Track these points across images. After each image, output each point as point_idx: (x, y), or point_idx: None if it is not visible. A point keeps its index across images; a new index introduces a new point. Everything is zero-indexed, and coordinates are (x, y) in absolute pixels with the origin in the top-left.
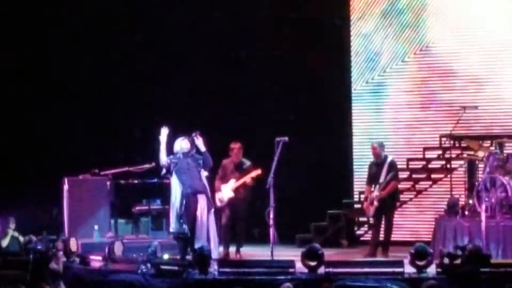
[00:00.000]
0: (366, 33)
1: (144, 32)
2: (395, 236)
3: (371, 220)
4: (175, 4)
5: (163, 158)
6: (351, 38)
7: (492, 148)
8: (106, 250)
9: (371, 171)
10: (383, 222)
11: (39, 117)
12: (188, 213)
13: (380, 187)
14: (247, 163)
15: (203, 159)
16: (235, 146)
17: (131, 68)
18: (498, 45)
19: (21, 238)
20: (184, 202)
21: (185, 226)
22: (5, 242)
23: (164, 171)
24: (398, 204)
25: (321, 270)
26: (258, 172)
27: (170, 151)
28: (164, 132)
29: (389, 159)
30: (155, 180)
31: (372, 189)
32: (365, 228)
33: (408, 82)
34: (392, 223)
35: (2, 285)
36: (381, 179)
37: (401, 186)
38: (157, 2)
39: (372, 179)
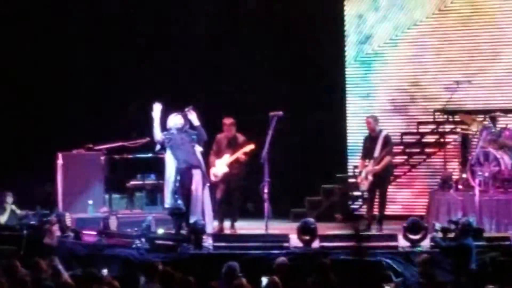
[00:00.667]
0: (360, 9)
1: (137, 10)
2: (389, 210)
3: (365, 194)
4: None
5: (158, 134)
6: (345, 13)
7: (486, 122)
8: (101, 224)
9: (365, 145)
10: (377, 196)
11: (34, 93)
12: (183, 188)
13: (375, 162)
14: (241, 138)
15: (197, 133)
16: (227, 121)
17: (125, 45)
18: (488, 22)
19: (19, 212)
20: (178, 177)
21: (180, 202)
22: (3, 218)
23: (158, 147)
24: (392, 178)
25: (316, 244)
26: (251, 146)
27: (164, 127)
28: (156, 108)
29: (384, 133)
30: (150, 155)
31: (366, 163)
32: (360, 202)
33: (402, 57)
34: (386, 197)
35: None
36: (376, 154)
37: (395, 160)
38: None
39: (367, 153)
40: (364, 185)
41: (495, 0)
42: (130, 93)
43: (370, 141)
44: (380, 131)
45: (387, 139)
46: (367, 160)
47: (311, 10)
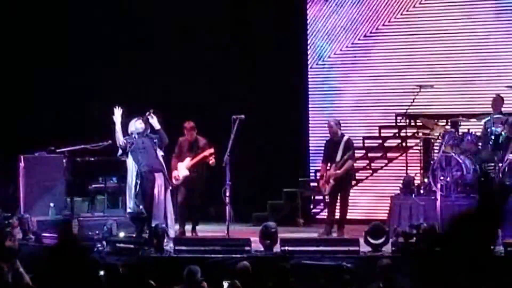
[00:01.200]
0: (322, 13)
1: (99, 13)
2: (351, 214)
3: (327, 198)
4: None
5: (120, 138)
6: (308, 17)
7: (448, 127)
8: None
9: (327, 149)
10: (338, 200)
11: None
12: (145, 192)
13: (337, 166)
14: (202, 141)
15: (158, 137)
16: (188, 125)
17: (87, 47)
18: (451, 27)
19: None
20: (139, 181)
21: (141, 207)
22: None
23: (120, 151)
24: (353, 182)
25: (277, 248)
26: (211, 150)
27: (125, 132)
28: (117, 112)
29: (345, 137)
30: (111, 157)
31: (328, 167)
32: (321, 206)
33: (364, 61)
34: (347, 201)
35: None
36: (338, 158)
37: (357, 164)
38: None
39: (328, 157)
40: (326, 189)
41: (458, 6)
42: (92, 95)
43: (332, 145)
44: (342, 135)
45: (349, 143)
46: (328, 164)
47: (273, 12)
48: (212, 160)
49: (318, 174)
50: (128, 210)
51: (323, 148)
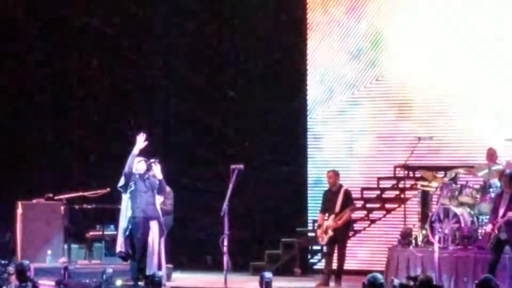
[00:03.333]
0: (322, 63)
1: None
2: (349, 265)
3: (325, 249)
4: None
5: (132, 165)
6: (308, 68)
7: (446, 179)
8: (61, 275)
9: (325, 199)
10: (336, 251)
11: None
12: (137, 238)
13: (336, 217)
14: None
15: (160, 185)
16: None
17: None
18: (450, 80)
19: None
20: (131, 226)
21: (130, 251)
22: None
23: (122, 181)
24: (351, 233)
25: None
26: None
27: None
28: (140, 138)
29: (344, 188)
30: (109, 205)
31: (326, 217)
32: (319, 256)
33: (363, 112)
34: (345, 252)
35: None
36: (337, 209)
37: (355, 215)
38: None
39: (327, 207)
40: (324, 240)
41: (460, 60)
42: (91, 144)
43: (331, 195)
44: (341, 185)
45: (348, 194)
46: (326, 214)
47: (275, 65)
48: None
49: (316, 224)
50: (118, 249)
51: (321, 198)
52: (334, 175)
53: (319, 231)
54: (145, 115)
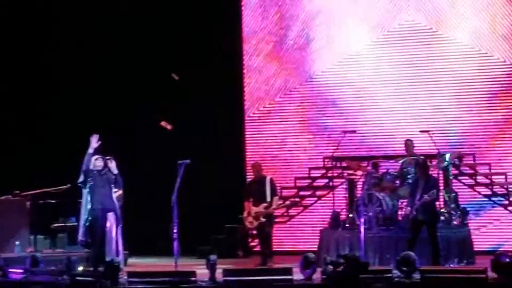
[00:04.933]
0: (258, 65)
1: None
2: (285, 246)
3: (257, 233)
4: None
5: (89, 163)
6: (244, 67)
7: (369, 168)
8: (27, 263)
9: (251, 189)
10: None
11: None
12: (95, 228)
13: (267, 204)
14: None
15: (115, 179)
16: None
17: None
18: (370, 79)
19: None
20: (90, 218)
21: (89, 240)
22: None
23: (81, 178)
24: (286, 218)
25: (220, 278)
26: (120, 192)
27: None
28: (94, 139)
29: (268, 177)
30: (71, 200)
31: (254, 205)
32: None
33: (296, 110)
34: (272, 235)
35: None
36: (268, 197)
37: (289, 201)
38: None
39: (253, 195)
40: (253, 224)
41: (378, 64)
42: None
43: (256, 185)
44: (265, 176)
45: (273, 182)
46: (256, 203)
47: (212, 66)
48: None
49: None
50: (79, 238)
51: (247, 187)
52: (257, 167)
53: (249, 218)
54: None
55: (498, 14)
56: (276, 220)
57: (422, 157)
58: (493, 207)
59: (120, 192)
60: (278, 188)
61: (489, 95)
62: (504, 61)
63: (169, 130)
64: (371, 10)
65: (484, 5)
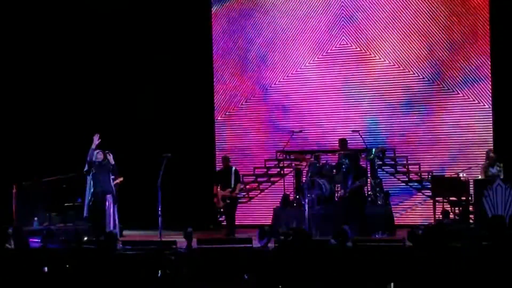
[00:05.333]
0: (225, 78)
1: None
2: (247, 221)
3: (223, 211)
4: None
5: (92, 156)
6: (214, 81)
7: (312, 159)
8: (44, 233)
9: (220, 176)
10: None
11: None
12: (98, 206)
13: (232, 189)
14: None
15: (113, 168)
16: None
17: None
18: (314, 89)
19: None
20: (93, 199)
21: (91, 214)
22: None
23: (86, 167)
24: (246, 199)
25: (195, 245)
26: (121, 179)
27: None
28: (96, 138)
29: (233, 168)
30: (78, 185)
31: (221, 189)
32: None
33: (255, 113)
34: (235, 212)
35: None
36: (232, 184)
37: (249, 186)
38: None
39: (221, 182)
40: (221, 204)
41: (324, 72)
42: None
43: (224, 174)
44: (231, 167)
45: (237, 173)
46: (223, 188)
47: (189, 79)
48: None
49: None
50: (85, 214)
51: (217, 174)
52: (226, 160)
53: (216, 199)
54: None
55: (415, 39)
56: (239, 201)
57: (353, 151)
58: (410, 191)
59: (121, 178)
60: (241, 175)
61: (406, 102)
62: (418, 76)
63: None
64: (315, 35)
65: (403, 31)
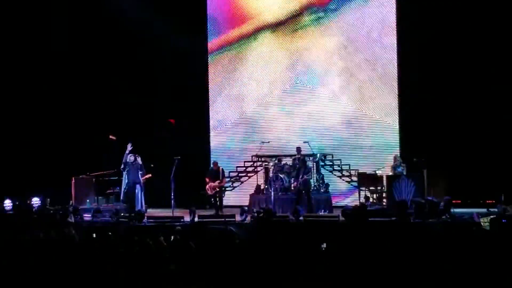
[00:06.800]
0: (218, 102)
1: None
2: (231, 202)
3: (212, 196)
4: None
5: (126, 159)
6: (209, 103)
7: (276, 161)
8: (92, 211)
9: (210, 172)
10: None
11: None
12: (130, 193)
13: (219, 181)
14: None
15: (141, 167)
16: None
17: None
18: (279, 112)
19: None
20: (127, 188)
21: (125, 198)
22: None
23: (122, 166)
24: (231, 188)
25: (197, 219)
26: (149, 175)
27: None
28: (129, 146)
29: (220, 168)
30: (116, 178)
31: (211, 180)
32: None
33: (238, 129)
34: (222, 197)
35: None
36: (220, 178)
37: (233, 179)
38: None
39: (211, 177)
40: (211, 192)
41: (286, 100)
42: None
43: (214, 171)
44: (219, 167)
45: (222, 171)
46: (212, 180)
47: (180, 81)
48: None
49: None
50: (122, 199)
51: (208, 171)
52: (216, 163)
53: (208, 187)
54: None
55: (351, 76)
56: (226, 189)
57: (303, 156)
58: (343, 183)
59: (150, 175)
60: (226, 172)
61: (342, 123)
62: (349, 104)
63: (113, 140)
64: (279, 75)
65: (341, 70)
